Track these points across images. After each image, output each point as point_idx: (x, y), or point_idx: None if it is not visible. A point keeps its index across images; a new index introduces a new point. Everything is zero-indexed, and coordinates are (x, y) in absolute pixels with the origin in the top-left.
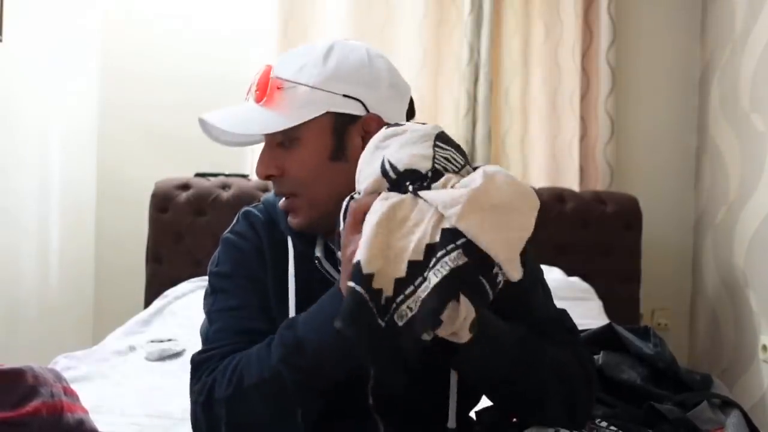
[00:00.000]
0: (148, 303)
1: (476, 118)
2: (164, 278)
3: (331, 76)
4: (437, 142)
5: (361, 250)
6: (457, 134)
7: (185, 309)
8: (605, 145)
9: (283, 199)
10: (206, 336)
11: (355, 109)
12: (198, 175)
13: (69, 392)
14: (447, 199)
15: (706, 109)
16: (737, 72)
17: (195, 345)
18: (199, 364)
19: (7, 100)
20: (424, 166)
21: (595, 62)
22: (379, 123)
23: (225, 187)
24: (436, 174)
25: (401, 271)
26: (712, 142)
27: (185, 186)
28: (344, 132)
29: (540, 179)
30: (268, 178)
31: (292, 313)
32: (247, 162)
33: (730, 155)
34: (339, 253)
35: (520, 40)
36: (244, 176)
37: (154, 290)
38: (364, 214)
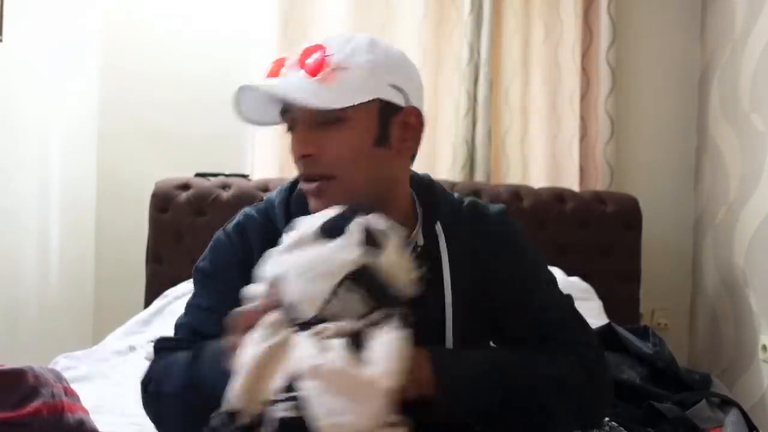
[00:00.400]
0: (148, 303)
1: (476, 118)
2: (164, 278)
3: (381, 64)
4: (345, 283)
5: (236, 380)
6: (457, 134)
7: None
8: (605, 145)
9: (311, 183)
10: (175, 325)
11: (399, 100)
12: (198, 175)
13: (69, 392)
14: (297, 366)
15: (706, 109)
16: (737, 72)
17: None
18: (156, 351)
19: (7, 100)
20: (308, 310)
21: (595, 62)
22: (417, 116)
23: (225, 187)
24: (320, 321)
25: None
26: (712, 142)
27: (185, 186)
28: (388, 120)
29: (540, 179)
30: (303, 157)
31: None
32: (247, 162)
33: (730, 155)
34: None
35: (520, 40)
36: (244, 176)
37: (154, 290)
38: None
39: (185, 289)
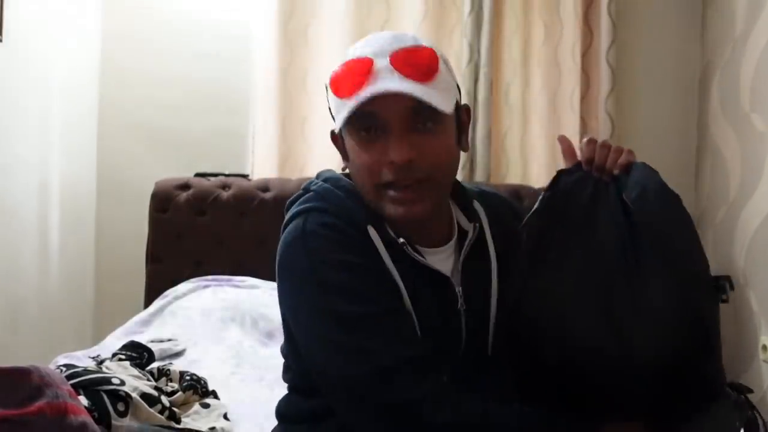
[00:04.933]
0: (148, 303)
1: (476, 118)
2: (164, 278)
3: (449, 62)
4: None
5: None
6: None
7: (185, 309)
8: None
9: (403, 191)
10: (341, 341)
11: (459, 99)
12: (198, 175)
13: (74, 395)
14: None
15: (706, 109)
16: (737, 72)
17: (195, 345)
18: (416, 406)
19: (7, 99)
20: None
21: (595, 62)
22: (468, 112)
23: (225, 187)
24: None
25: None
26: (712, 142)
27: (185, 186)
28: (459, 120)
29: (540, 179)
30: (403, 163)
31: (406, 299)
32: (247, 162)
33: (730, 155)
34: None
35: (520, 40)
36: (244, 176)
37: (154, 290)
38: None
39: (185, 289)
